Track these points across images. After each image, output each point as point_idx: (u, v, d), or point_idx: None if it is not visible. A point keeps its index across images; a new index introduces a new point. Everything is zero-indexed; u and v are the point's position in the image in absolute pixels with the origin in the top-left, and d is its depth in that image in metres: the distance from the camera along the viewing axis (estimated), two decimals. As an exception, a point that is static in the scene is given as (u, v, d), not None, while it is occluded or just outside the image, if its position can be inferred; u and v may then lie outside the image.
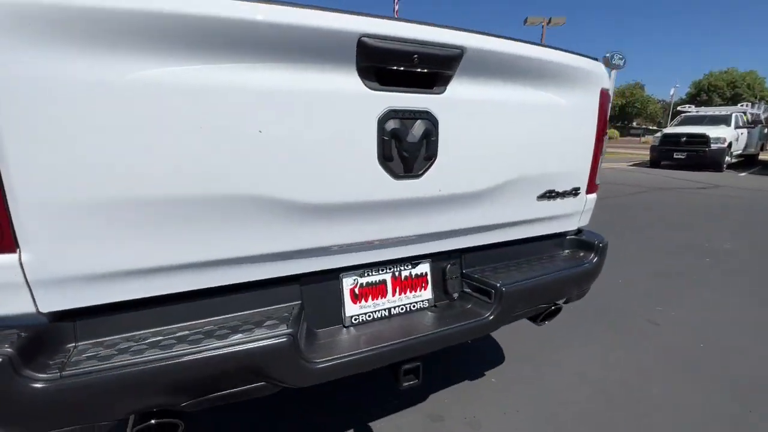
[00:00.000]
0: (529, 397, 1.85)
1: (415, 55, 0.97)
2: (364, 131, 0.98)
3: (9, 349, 0.75)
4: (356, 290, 1.20)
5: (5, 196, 0.73)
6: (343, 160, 0.98)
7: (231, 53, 0.83)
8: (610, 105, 1.50)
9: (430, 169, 1.09)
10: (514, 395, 1.87)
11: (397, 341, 1.12)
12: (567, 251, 1.61)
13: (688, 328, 2.55)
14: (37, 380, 0.76)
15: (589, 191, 1.53)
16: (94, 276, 0.83)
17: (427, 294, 1.31)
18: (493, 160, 1.20)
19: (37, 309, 0.81)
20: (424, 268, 1.30)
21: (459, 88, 1.09)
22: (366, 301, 1.21)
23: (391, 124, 1.00)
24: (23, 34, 0.68)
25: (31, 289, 0.79)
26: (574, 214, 1.53)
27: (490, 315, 1.26)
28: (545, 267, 1.43)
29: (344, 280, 1.18)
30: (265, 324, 0.98)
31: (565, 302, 1.60)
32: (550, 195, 1.40)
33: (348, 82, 0.94)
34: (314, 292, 1.14)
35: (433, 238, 1.26)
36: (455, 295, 1.36)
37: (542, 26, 19.02)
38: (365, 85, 0.96)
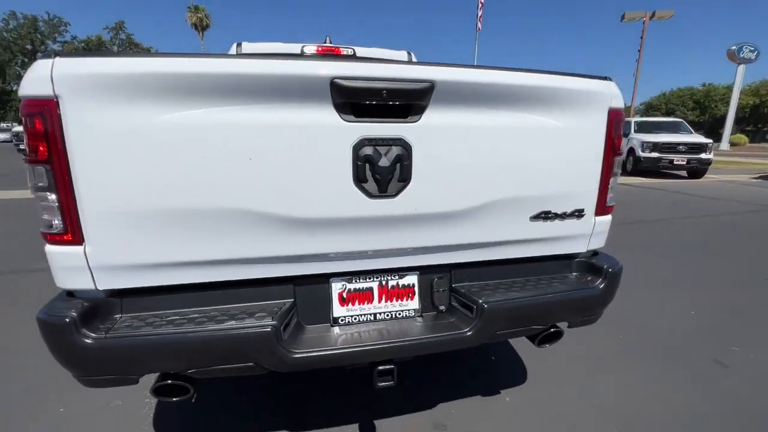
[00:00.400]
0: (540, 425, 1.80)
1: (384, 91, 1.10)
2: (341, 157, 1.14)
3: (74, 313, 1.06)
4: (344, 294, 1.35)
5: (77, 206, 1.05)
6: (322, 182, 1.15)
7: (228, 98, 1.06)
8: (622, 123, 1.44)
9: (405, 190, 1.20)
10: (524, 419, 1.83)
11: (373, 344, 1.25)
12: (575, 274, 1.56)
13: (765, 376, 2.17)
14: (89, 338, 1.07)
15: (599, 213, 1.48)
16: (134, 266, 1.13)
17: (413, 304, 1.41)
18: (473, 182, 1.27)
19: (96, 287, 1.13)
20: (411, 279, 1.41)
21: (435, 116, 1.19)
22: (353, 305, 1.36)
23: (364, 151, 1.14)
24: (92, 95, 0.99)
25: (93, 272, 1.11)
26: (579, 236, 1.49)
27: (469, 330, 1.31)
28: (540, 288, 1.42)
29: (333, 284, 1.34)
30: (256, 315, 1.20)
31: (569, 326, 1.55)
32: (546, 216, 1.39)
33: (326, 116, 1.11)
34: (306, 293, 1.32)
35: (421, 252, 1.36)
36: (442, 308, 1.43)
37: (643, 21, 17.05)
38: (341, 118, 1.12)
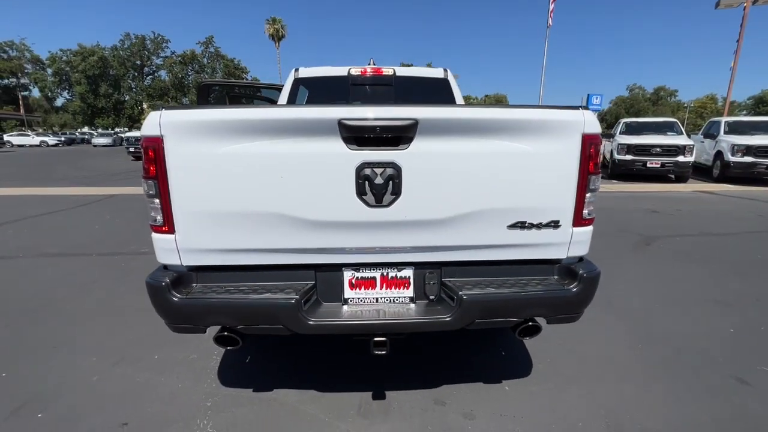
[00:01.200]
0: (533, 414, 2.00)
1: (377, 128, 1.46)
2: (347, 176, 1.52)
3: (168, 280, 1.59)
4: (353, 281, 1.74)
5: (171, 207, 1.56)
6: (333, 194, 1.54)
7: (267, 134, 1.50)
8: (599, 145, 1.63)
9: (396, 202, 1.55)
10: (518, 407, 2.04)
11: (372, 320, 1.62)
12: (556, 277, 1.77)
13: (788, 396, 2.12)
14: (176, 297, 1.58)
15: (576, 224, 1.68)
16: (206, 250, 1.62)
17: (408, 293, 1.75)
18: (454, 196, 1.57)
19: (181, 263, 1.64)
20: (407, 272, 1.75)
21: (421, 145, 1.52)
22: (360, 289, 1.74)
23: (364, 171, 1.51)
24: (183, 135, 1.49)
25: (180, 253, 1.62)
26: (557, 244, 1.70)
27: (449, 317, 1.62)
28: (517, 287, 1.67)
29: (345, 272, 1.73)
30: (284, 290, 1.63)
31: (547, 323, 1.76)
32: (522, 225, 1.64)
33: (336, 146, 1.50)
34: (324, 277, 1.73)
35: (415, 251, 1.69)
36: (432, 297, 1.75)
37: (743, 7, 15.05)
38: (347, 147, 1.51)
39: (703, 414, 2.00)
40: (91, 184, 11.04)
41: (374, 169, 1.52)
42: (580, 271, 1.68)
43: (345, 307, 1.72)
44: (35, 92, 59.33)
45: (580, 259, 1.80)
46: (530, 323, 1.73)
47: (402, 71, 3.56)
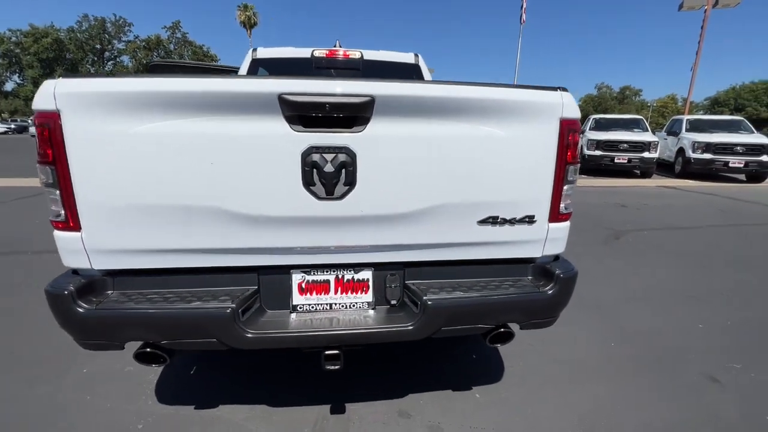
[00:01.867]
0: (505, 424, 1.85)
1: (327, 105, 1.23)
2: (291, 163, 1.29)
3: (72, 287, 1.30)
4: (303, 285, 1.51)
5: (75, 198, 1.27)
6: (275, 184, 1.30)
7: (193, 111, 1.23)
8: (577, 132, 1.46)
9: (350, 194, 1.33)
10: (489, 416, 1.89)
11: (323, 330, 1.40)
12: (530, 277, 1.61)
13: (760, 395, 2.08)
14: (82, 308, 1.30)
15: (553, 219, 1.52)
16: (122, 251, 1.34)
17: (367, 297, 1.54)
18: (417, 187, 1.36)
19: (92, 266, 1.36)
20: (366, 274, 1.53)
21: (378, 127, 1.30)
22: (311, 294, 1.51)
23: (312, 158, 1.28)
24: (85, 110, 1.20)
25: (88, 254, 1.34)
26: (532, 242, 1.53)
27: (412, 325, 1.42)
28: (488, 290, 1.49)
29: (293, 275, 1.50)
30: (220, 298, 1.38)
31: (521, 328, 1.60)
32: (494, 221, 1.46)
33: (278, 127, 1.26)
34: (269, 281, 1.49)
35: (375, 250, 1.48)
36: (393, 302, 1.54)
37: (705, 10, 15.65)
38: (291, 128, 1.27)
39: (678, 415, 1.92)
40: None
41: (324, 155, 1.29)
42: (557, 271, 1.52)
43: (293, 316, 1.49)
44: (-19, 75, 54.77)
45: (556, 257, 1.65)
46: (502, 329, 1.56)
47: (370, 55, 3.32)
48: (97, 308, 1.31)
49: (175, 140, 1.24)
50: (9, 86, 56.47)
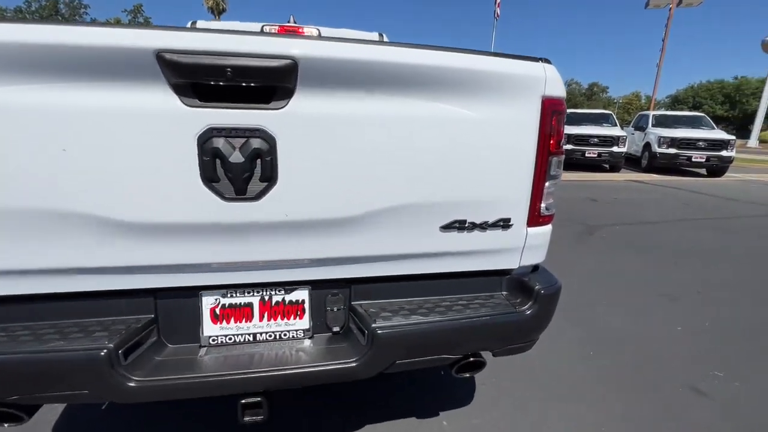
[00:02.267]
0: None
1: (228, 69, 0.88)
2: (184, 150, 0.93)
3: None
4: (217, 310, 1.16)
5: None
6: (162, 180, 0.94)
7: (42, 73, 0.85)
8: (563, 115, 1.18)
9: (270, 192, 0.99)
10: (456, 447, 1.63)
11: (238, 372, 1.06)
12: (504, 293, 1.33)
13: (749, 407, 1.91)
14: None
15: (532, 223, 1.24)
16: None
17: (303, 323, 1.21)
18: (359, 184, 1.04)
19: None
20: (301, 295, 1.20)
21: (305, 103, 0.96)
22: (228, 322, 1.17)
23: (212, 143, 0.93)
24: None
25: None
26: (508, 250, 1.25)
27: (357, 360, 1.10)
28: (454, 311, 1.20)
29: (204, 298, 1.15)
30: (94, 334, 1.01)
31: (494, 355, 1.32)
32: (461, 226, 1.16)
33: (162, 99, 0.90)
34: (171, 308, 1.13)
35: (312, 264, 1.15)
36: (336, 329, 1.22)
37: (669, 8, 16.04)
38: (183, 102, 0.91)
39: (666, 441, 1.71)
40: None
41: (229, 140, 0.94)
42: (536, 286, 1.24)
43: (203, 352, 1.14)
44: None
45: (535, 267, 1.37)
46: (471, 358, 1.27)
47: (328, 32, 2.94)
48: None
49: (17, 116, 0.86)
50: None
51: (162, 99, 0.90)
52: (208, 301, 1.15)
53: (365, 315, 1.16)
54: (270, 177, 0.98)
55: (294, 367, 1.08)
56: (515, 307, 1.24)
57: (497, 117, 1.09)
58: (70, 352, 0.96)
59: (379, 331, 1.09)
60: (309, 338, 1.21)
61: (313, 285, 1.20)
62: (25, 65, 0.84)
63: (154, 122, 0.91)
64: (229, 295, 1.16)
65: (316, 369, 1.09)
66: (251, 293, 1.17)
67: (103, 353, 0.96)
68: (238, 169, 0.95)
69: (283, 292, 1.19)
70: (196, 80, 0.90)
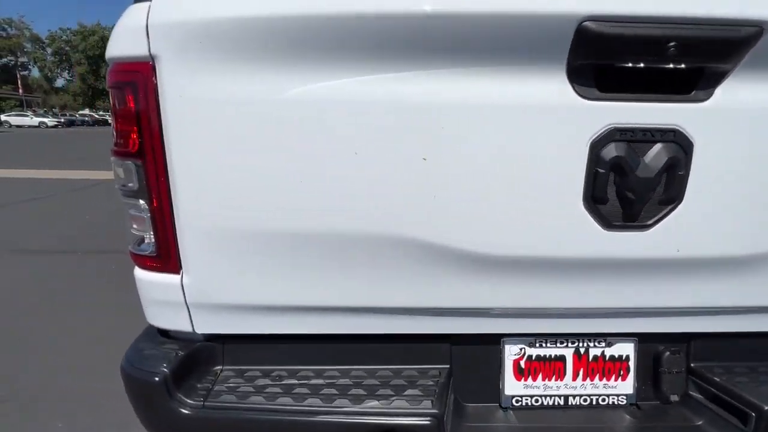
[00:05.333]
0: None
1: (671, 43, 0.61)
2: (568, 160, 0.68)
3: (166, 369, 0.76)
4: (522, 363, 0.90)
5: (174, 216, 0.73)
6: (529, 201, 0.70)
7: (384, 61, 0.65)
8: None
9: (667, 218, 0.71)
10: None
11: None
12: None
13: None
14: (186, 406, 0.75)
15: None
16: (244, 306, 0.79)
17: (626, 386, 0.92)
18: None
19: (194, 329, 0.82)
20: (625, 349, 0.91)
21: (738, 92, 0.67)
22: (534, 379, 0.91)
23: (611, 151, 0.67)
24: (204, 53, 0.64)
25: (190, 310, 0.80)
26: None
27: None
28: None
29: (507, 347, 0.90)
30: (405, 392, 0.80)
31: None
32: None
33: (557, 89, 0.66)
34: (468, 357, 0.90)
35: (648, 313, 0.86)
36: (673, 398, 0.91)
37: None
38: (577, 92, 0.66)
39: None
40: (86, 167, 10.17)
41: (632, 145, 0.67)
42: None
43: (510, 415, 0.89)
44: (35, 72, 58.09)
45: None
46: None
47: None
48: (206, 406, 0.77)
49: (361, 116, 0.66)
50: (59, 82, 59.58)
51: (557, 89, 0.65)
52: (511, 351, 0.90)
53: (733, 384, 0.84)
54: (674, 198, 0.70)
55: None
56: None
57: None
58: (392, 416, 0.75)
59: (775, 412, 0.77)
60: (633, 406, 0.92)
61: (640, 337, 0.91)
62: (386, 50, 0.64)
63: (536, 122, 0.67)
64: (536, 345, 0.90)
65: None
66: (564, 344, 0.91)
67: (429, 421, 0.74)
68: (641, 187, 0.68)
69: (603, 343, 0.91)
70: (611, 61, 0.64)
